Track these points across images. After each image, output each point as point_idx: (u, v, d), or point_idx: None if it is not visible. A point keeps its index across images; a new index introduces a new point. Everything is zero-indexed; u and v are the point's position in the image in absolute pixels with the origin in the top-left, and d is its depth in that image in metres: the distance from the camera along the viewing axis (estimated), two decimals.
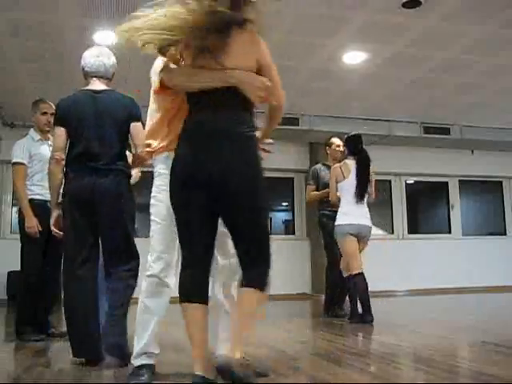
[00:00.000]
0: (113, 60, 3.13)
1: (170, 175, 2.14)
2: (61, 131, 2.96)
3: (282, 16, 4.65)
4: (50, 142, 4.08)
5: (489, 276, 8.58)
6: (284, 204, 9.35)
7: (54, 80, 6.12)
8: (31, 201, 3.84)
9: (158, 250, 2.39)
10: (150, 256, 2.41)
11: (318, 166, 5.40)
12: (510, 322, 4.88)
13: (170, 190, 2.15)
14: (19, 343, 3.64)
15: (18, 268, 3.93)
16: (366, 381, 2.38)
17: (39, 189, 3.87)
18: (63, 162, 2.94)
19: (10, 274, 6.82)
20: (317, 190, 5.20)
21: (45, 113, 4.02)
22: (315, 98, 7.03)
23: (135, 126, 2.96)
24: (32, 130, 4.08)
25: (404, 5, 4.52)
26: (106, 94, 3.04)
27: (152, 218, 2.43)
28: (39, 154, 3.95)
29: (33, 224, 3.76)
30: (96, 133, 2.92)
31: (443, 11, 4.65)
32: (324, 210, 5.14)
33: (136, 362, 2.38)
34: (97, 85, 3.05)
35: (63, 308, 2.89)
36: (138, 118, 2.99)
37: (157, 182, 2.44)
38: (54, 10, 4.53)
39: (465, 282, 8.44)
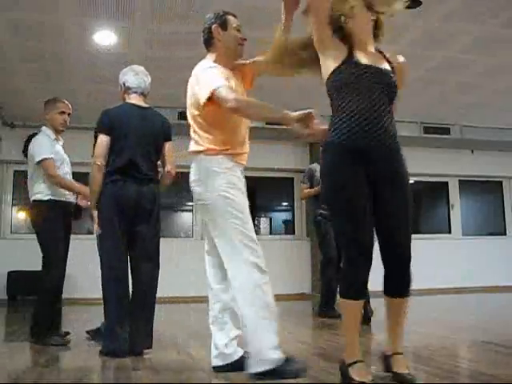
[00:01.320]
0: (149, 79, 3.44)
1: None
2: (106, 139, 3.18)
3: (280, 15, 4.64)
4: (61, 143, 3.96)
5: (489, 276, 8.57)
6: (284, 204, 9.36)
7: (53, 80, 6.12)
8: (43, 201, 3.69)
9: (253, 239, 2.47)
10: (257, 247, 2.45)
11: (314, 165, 5.43)
12: (510, 321, 4.88)
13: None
14: (19, 343, 3.62)
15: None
16: (365, 380, 2.37)
17: (53, 189, 3.73)
18: (103, 168, 3.16)
19: (9, 274, 6.82)
20: (311, 188, 5.25)
21: (63, 112, 3.90)
22: (315, 98, 7.02)
23: (169, 145, 3.37)
24: (45, 128, 3.90)
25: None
26: (149, 110, 3.37)
27: (234, 212, 2.46)
28: (58, 154, 3.82)
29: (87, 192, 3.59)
30: (140, 145, 3.21)
31: (443, 11, 4.65)
32: (320, 209, 5.15)
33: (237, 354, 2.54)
34: (138, 100, 3.35)
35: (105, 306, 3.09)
36: (171, 138, 3.40)
37: (221, 180, 2.48)
38: (54, 10, 4.53)
39: (465, 282, 8.44)
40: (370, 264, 2.18)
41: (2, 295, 6.86)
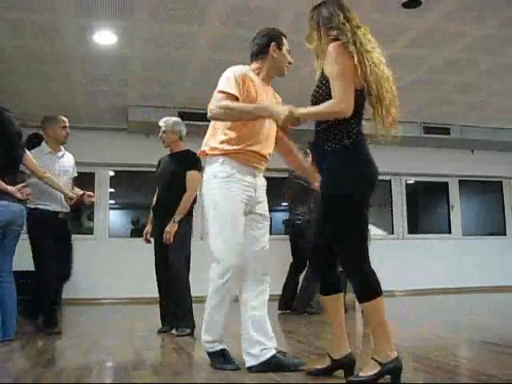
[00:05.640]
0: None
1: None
2: None
3: (280, 15, 4.65)
4: (60, 154, 4.37)
5: (489, 276, 8.58)
6: (284, 204, 9.35)
7: (53, 80, 6.12)
8: (39, 211, 4.10)
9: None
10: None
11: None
12: (510, 321, 4.88)
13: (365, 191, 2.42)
14: (19, 343, 3.63)
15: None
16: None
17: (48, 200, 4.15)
18: None
19: None
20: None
21: (64, 127, 4.37)
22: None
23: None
24: (44, 143, 4.34)
25: (404, 5, 4.51)
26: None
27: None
28: (47, 167, 4.14)
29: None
30: None
31: (443, 11, 4.65)
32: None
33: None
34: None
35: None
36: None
37: (216, 184, 2.65)
38: (54, 10, 4.52)
39: (465, 282, 8.44)
40: None
41: None
